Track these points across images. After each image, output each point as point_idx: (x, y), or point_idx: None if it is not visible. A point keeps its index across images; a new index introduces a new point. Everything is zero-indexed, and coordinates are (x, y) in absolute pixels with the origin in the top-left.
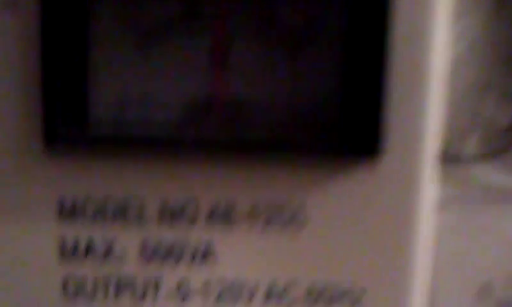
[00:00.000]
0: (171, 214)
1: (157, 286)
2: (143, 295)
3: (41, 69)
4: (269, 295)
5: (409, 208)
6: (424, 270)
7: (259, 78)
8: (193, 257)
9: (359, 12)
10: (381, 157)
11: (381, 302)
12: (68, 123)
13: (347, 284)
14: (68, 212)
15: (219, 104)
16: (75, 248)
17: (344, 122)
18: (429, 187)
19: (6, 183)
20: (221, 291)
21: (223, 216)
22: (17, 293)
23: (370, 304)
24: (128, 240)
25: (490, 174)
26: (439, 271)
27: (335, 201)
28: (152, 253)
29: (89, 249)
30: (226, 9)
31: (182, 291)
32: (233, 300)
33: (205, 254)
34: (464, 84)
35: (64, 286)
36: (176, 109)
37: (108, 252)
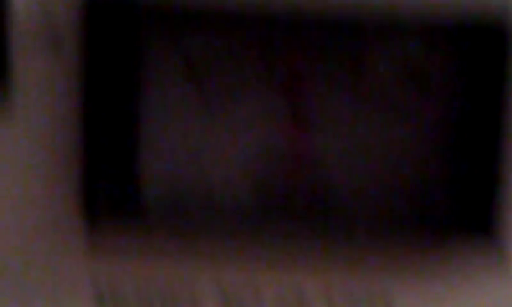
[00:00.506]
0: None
1: None
2: None
3: (83, 142)
4: None
5: None
6: None
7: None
8: None
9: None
10: (495, 237)
11: None
12: (113, 205)
13: None
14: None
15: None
16: None
17: (453, 200)
18: None
19: (41, 267)
20: None
21: None
22: None
23: None
24: None
25: None
26: None
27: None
28: None
29: None
30: (303, 67)
31: None
32: None
33: None
34: None
35: None
36: (243, 189)
37: None
